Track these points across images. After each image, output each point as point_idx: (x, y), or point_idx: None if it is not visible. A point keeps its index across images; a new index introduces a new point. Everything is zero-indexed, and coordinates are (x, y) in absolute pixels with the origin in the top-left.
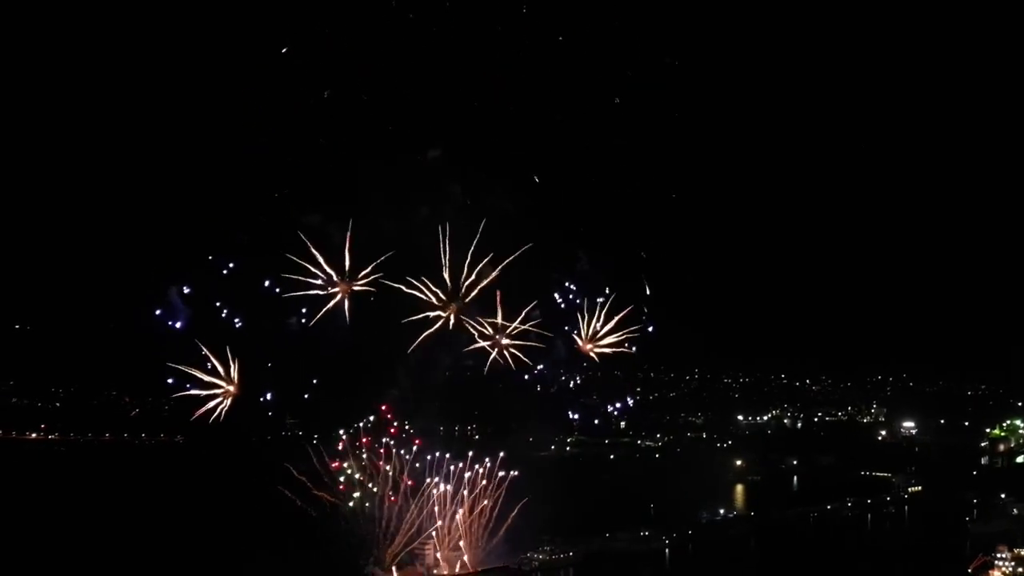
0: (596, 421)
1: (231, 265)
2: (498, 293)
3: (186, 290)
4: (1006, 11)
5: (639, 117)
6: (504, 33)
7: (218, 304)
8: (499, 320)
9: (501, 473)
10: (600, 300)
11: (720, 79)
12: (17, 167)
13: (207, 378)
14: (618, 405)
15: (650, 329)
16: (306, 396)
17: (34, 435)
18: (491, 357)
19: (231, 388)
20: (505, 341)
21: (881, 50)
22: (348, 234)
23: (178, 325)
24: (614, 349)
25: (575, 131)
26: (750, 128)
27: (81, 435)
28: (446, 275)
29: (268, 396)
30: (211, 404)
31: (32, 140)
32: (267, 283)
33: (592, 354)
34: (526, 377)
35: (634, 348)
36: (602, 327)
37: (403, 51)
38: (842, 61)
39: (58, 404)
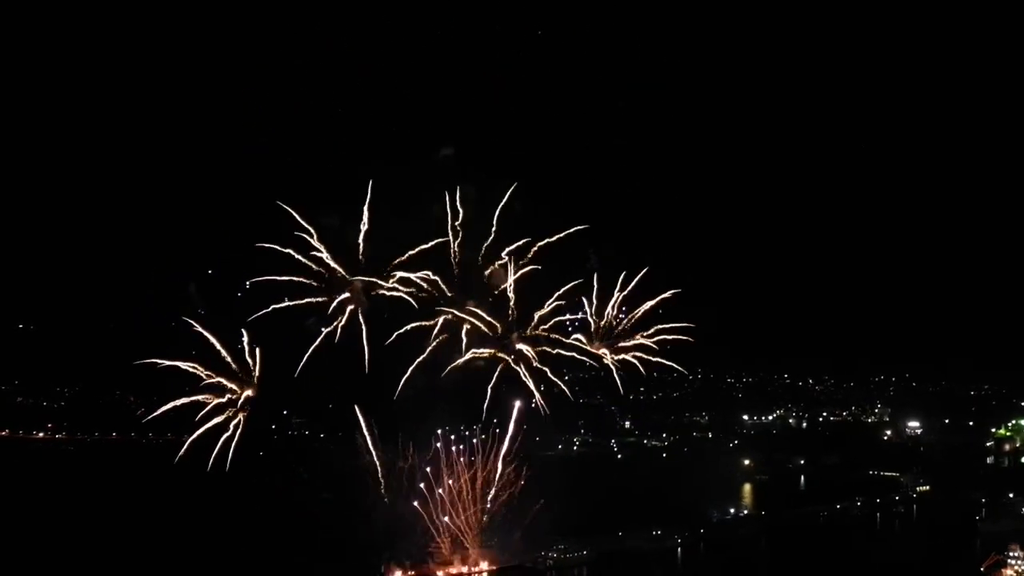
0: (601, 421)
1: (238, 266)
2: (511, 295)
3: (196, 290)
4: (1006, 11)
5: (641, 118)
6: (504, 33)
7: (225, 304)
8: (511, 321)
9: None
10: (613, 302)
11: (726, 80)
12: (23, 169)
13: (228, 383)
14: (629, 417)
15: (669, 346)
16: (314, 395)
17: (41, 434)
18: (502, 362)
19: (250, 392)
20: (519, 346)
21: (881, 50)
22: (360, 237)
23: (190, 324)
24: (636, 354)
25: (577, 133)
26: (753, 129)
27: (88, 434)
28: (455, 275)
29: (283, 396)
30: (230, 411)
31: (39, 142)
32: (272, 283)
33: (607, 359)
34: (535, 391)
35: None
36: (618, 327)
37: (409, 53)
38: (846, 63)
39: (63, 403)
